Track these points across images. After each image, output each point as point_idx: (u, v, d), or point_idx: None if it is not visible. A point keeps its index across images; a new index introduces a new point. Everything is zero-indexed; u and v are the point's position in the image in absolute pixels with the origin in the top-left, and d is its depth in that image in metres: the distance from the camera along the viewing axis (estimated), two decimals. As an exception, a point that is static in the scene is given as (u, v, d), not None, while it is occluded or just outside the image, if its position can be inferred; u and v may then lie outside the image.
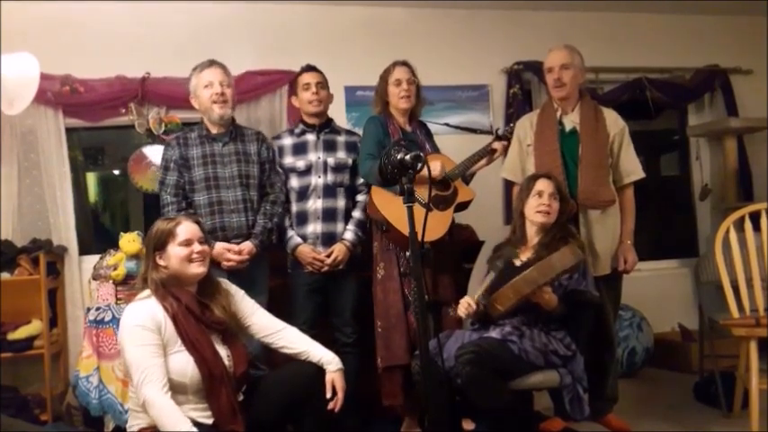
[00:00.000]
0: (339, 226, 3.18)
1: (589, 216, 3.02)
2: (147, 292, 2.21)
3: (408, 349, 2.95)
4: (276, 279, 3.21)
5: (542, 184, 2.80)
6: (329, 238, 3.15)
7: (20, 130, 3.78)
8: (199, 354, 2.13)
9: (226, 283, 2.40)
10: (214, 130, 3.08)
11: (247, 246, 2.96)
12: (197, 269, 2.23)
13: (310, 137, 3.24)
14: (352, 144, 3.28)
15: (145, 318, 2.11)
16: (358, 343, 3.15)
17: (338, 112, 4.11)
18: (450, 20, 4.44)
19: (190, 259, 2.21)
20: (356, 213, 3.22)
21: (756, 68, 4.77)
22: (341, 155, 3.23)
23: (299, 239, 3.15)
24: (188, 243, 2.22)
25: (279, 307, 2.53)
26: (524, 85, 4.47)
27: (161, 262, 2.22)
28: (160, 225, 2.26)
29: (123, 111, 3.89)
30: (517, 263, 2.76)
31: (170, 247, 2.21)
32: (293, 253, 3.15)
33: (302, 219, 3.18)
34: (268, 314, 2.41)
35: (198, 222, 2.32)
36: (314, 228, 3.16)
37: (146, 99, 3.88)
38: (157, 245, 2.22)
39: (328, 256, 3.10)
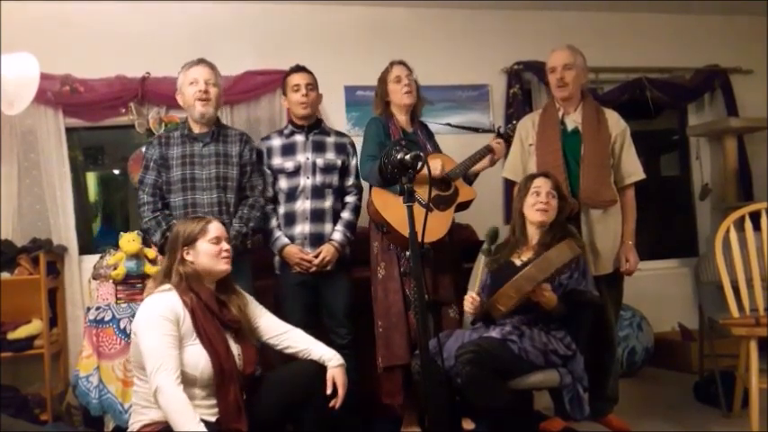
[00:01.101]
0: (327, 227, 3.16)
1: (590, 215, 3.02)
2: (167, 285, 2.26)
3: (409, 349, 2.95)
4: (265, 280, 3.20)
5: (540, 182, 2.80)
6: (317, 239, 3.14)
7: (20, 130, 3.79)
8: (213, 348, 2.18)
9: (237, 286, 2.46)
10: (196, 130, 3.05)
11: None
12: (224, 266, 2.32)
13: (299, 138, 3.22)
14: (341, 145, 3.27)
15: (165, 308, 2.16)
16: (353, 344, 3.13)
17: (338, 112, 4.13)
18: (450, 20, 4.45)
19: (219, 256, 2.30)
20: (345, 214, 3.21)
21: (756, 68, 4.78)
22: (330, 156, 3.22)
23: (286, 240, 3.13)
24: (217, 241, 2.32)
25: (268, 308, 2.53)
26: (524, 85, 4.48)
27: (188, 257, 2.29)
28: (190, 224, 2.35)
29: (123, 111, 3.90)
30: (518, 262, 2.76)
31: (200, 243, 2.30)
32: (280, 253, 3.14)
33: (290, 219, 3.16)
34: (274, 316, 2.47)
35: (224, 223, 2.42)
36: (302, 228, 3.14)
37: (146, 99, 3.89)
38: (187, 241, 2.30)
39: (316, 256, 3.09)
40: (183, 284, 2.25)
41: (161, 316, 2.14)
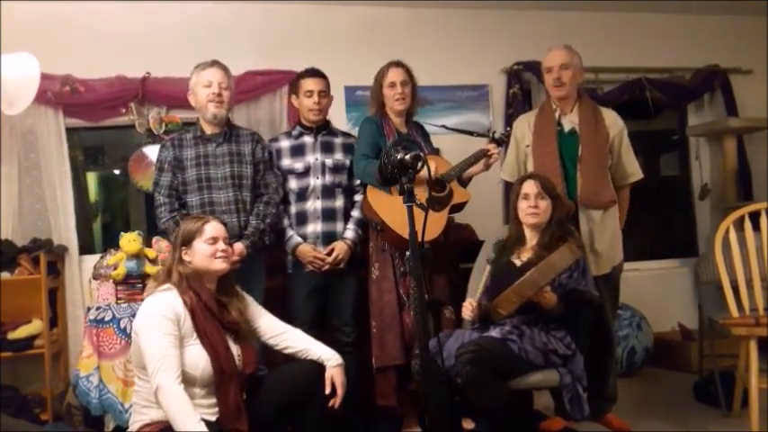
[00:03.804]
0: (339, 225, 3.20)
1: (590, 216, 3.02)
2: (168, 285, 2.28)
3: (403, 349, 2.96)
4: (275, 279, 3.20)
5: (528, 187, 2.79)
6: (329, 238, 3.16)
7: (20, 130, 3.79)
8: (213, 348, 2.19)
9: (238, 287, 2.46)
10: (209, 131, 3.08)
11: (238, 247, 2.91)
12: (220, 265, 2.32)
13: (308, 139, 3.25)
14: (348, 145, 3.29)
15: (166, 308, 2.18)
16: (357, 342, 3.15)
17: (338, 112, 4.12)
18: (450, 20, 4.45)
19: (214, 256, 2.30)
20: (355, 213, 3.23)
21: (756, 68, 4.78)
22: (338, 156, 3.24)
23: (299, 239, 3.16)
24: (214, 241, 2.32)
25: (277, 307, 2.54)
26: (524, 85, 4.47)
27: (186, 257, 2.31)
28: (188, 223, 2.37)
29: (123, 111, 3.90)
30: (517, 263, 2.76)
31: (196, 243, 2.31)
32: (294, 252, 3.16)
33: (302, 219, 3.19)
34: (273, 317, 2.48)
35: (224, 224, 2.42)
36: (314, 227, 3.17)
37: (146, 99, 3.88)
38: (184, 240, 2.32)
39: (329, 254, 3.11)
40: (183, 284, 2.26)
41: (162, 315, 2.15)
